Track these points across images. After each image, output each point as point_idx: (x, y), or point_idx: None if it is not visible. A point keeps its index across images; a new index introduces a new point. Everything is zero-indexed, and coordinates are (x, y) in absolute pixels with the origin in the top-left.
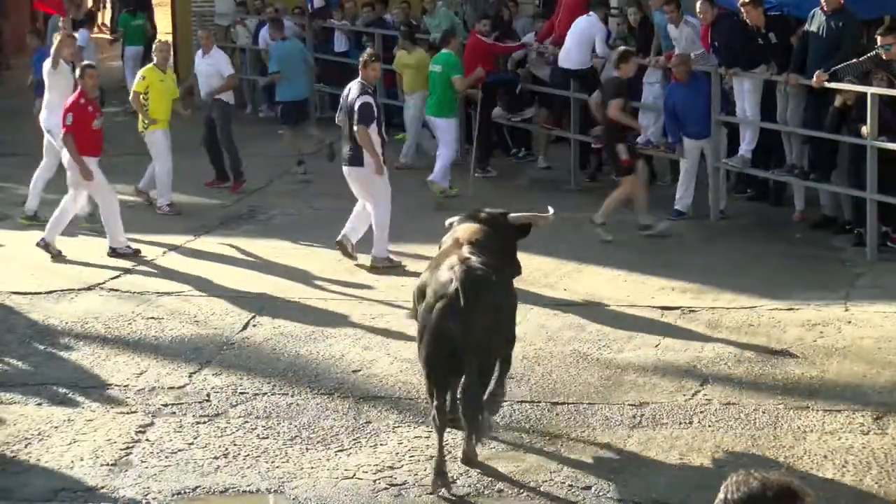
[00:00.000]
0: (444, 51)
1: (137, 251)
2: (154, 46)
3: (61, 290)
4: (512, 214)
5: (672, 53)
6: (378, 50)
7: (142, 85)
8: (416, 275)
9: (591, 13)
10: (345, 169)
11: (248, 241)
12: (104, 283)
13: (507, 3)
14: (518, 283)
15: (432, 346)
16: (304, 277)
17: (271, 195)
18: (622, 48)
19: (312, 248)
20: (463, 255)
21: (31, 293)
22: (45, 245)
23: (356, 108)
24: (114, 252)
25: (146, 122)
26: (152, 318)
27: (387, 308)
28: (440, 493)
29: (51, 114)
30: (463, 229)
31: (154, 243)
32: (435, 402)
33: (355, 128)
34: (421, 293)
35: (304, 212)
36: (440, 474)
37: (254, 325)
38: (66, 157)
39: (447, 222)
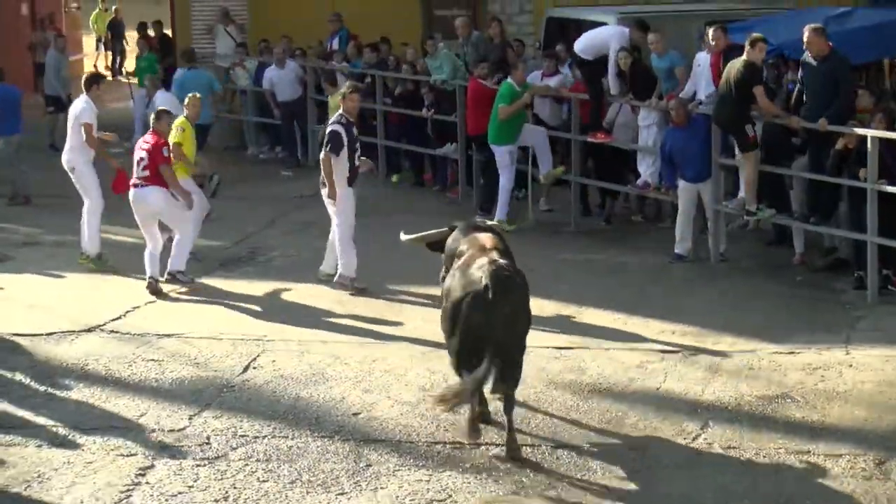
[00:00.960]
0: (506, 80)
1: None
2: (187, 101)
3: (62, 332)
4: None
5: (673, 95)
6: (380, 91)
7: (181, 136)
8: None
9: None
10: (323, 195)
11: (248, 283)
12: (104, 324)
13: (511, 44)
14: None
15: (462, 338)
16: (304, 319)
17: (271, 236)
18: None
19: (313, 290)
20: (492, 258)
21: (31, 335)
22: (173, 277)
23: (326, 134)
24: (173, 278)
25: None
26: (152, 360)
27: (388, 351)
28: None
29: (73, 152)
30: (484, 237)
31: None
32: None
33: (321, 154)
34: (448, 292)
35: (303, 253)
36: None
37: (254, 368)
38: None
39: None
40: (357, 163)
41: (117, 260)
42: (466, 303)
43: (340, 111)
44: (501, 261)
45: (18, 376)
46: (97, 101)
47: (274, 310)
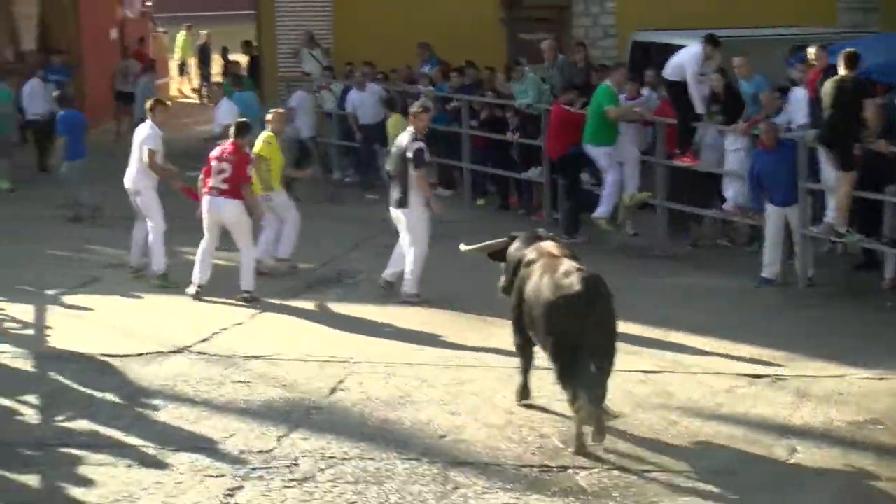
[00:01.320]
0: (604, 83)
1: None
2: (271, 116)
3: (150, 353)
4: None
5: (756, 119)
6: (466, 114)
7: (267, 150)
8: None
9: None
10: (392, 211)
11: (336, 305)
12: (192, 346)
13: (596, 68)
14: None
15: (560, 341)
16: (391, 341)
17: (357, 259)
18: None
19: (399, 312)
20: (575, 266)
21: (121, 356)
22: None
23: (410, 154)
24: (248, 298)
25: (263, 185)
26: (241, 381)
27: (475, 373)
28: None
29: (137, 176)
30: (550, 245)
31: (242, 306)
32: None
33: (412, 172)
34: (520, 294)
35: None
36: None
37: (342, 390)
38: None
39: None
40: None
41: (207, 283)
42: (561, 308)
43: (412, 129)
44: (580, 266)
45: (108, 397)
46: (161, 126)
47: (361, 332)
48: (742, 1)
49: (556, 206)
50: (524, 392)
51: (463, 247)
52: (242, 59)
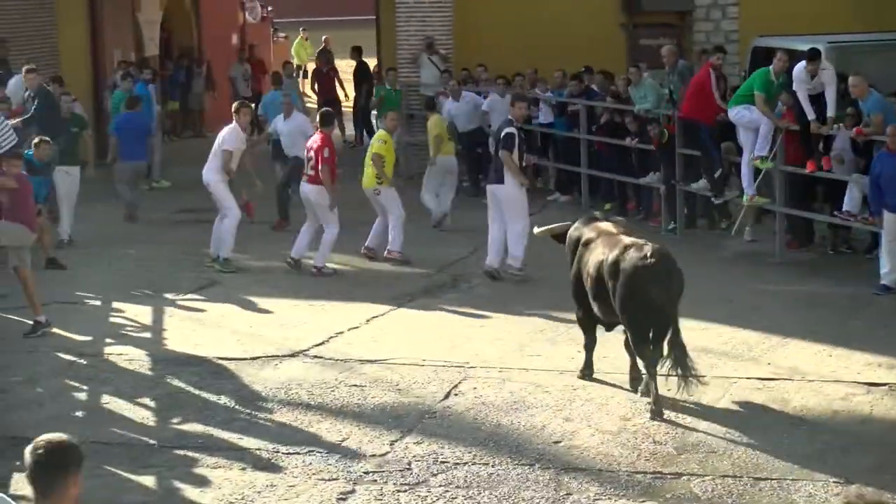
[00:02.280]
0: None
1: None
2: (388, 116)
3: (266, 357)
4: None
5: (868, 133)
6: (584, 120)
7: (383, 148)
8: None
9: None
10: (489, 187)
11: (451, 310)
12: (308, 350)
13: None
14: (721, 355)
15: (640, 308)
16: (506, 347)
17: (474, 264)
18: None
19: (515, 318)
20: (639, 241)
21: (236, 359)
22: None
23: (502, 136)
24: (319, 272)
25: (380, 179)
26: (355, 385)
27: (589, 379)
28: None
29: (210, 172)
30: (606, 224)
31: (358, 311)
32: (646, 352)
33: (500, 152)
34: (580, 270)
35: (506, 280)
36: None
37: (455, 395)
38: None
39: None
40: (524, 162)
41: (321, 288)
42: (641, 277)
43: (509, 117)
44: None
45: (224, 400)
46: (244, 128)
47: (476, 337)
48: (868, 4)
49: (675, 213)
50: (588, 369)
51: (536, 229)
52: (349, 65)
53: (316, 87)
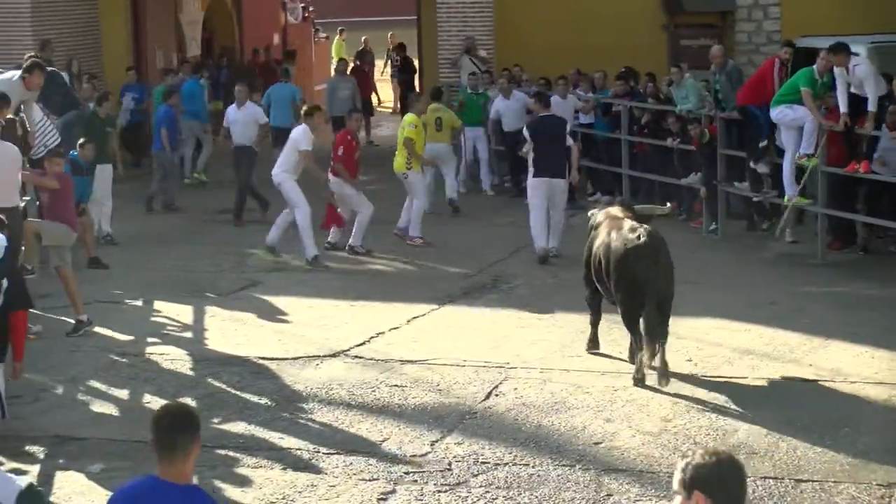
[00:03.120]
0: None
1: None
2: (420, 100)
3: (307, 357)
4: (637, 206)
5: None
6: (626, 120)
7: (413, 132)
8: None
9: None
10: (549, 180)
11: (491, 311)
12: (349, 350)
13: None
14: (763, 357)
15: (626, 284)
16: (546, 347)
17: (515, 265)
18: None
19: (555, 318)
20: (636, 224)
21: (277, 358)
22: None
23: (568, 131)
24: (352, 249)
25: (409, 164)
26: (396, 385)
27: (630, 380)
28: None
29: (282, 171)
30: (615, 210)
31: (399, 311)
32: (635, 329)
33: (573, 145)
34: (589, 251)
35: (547, 282)
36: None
37: (496, 395)
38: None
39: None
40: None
41: (362, 288)
42: (630, 257)
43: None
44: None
45: (264, 400)
46: (314, 130)
47: (516, 337)
48: None
49: (716, 214)
50: (594, 343)
51: None
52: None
53: None
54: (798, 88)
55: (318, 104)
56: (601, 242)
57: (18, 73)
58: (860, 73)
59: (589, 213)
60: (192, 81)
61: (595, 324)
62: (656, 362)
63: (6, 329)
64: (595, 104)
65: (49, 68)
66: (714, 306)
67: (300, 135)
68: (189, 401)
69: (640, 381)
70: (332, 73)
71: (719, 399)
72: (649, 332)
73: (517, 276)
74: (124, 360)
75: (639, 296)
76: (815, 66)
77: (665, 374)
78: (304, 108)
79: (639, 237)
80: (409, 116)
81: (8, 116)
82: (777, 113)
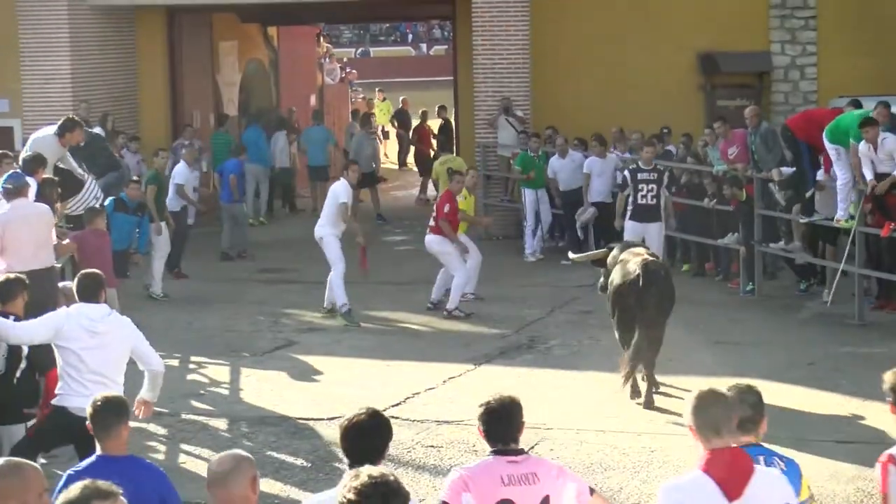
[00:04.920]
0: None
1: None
2: (469, 173)
3: (342, 416)
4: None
5: None
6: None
7: (464, 204)
8: None
9: None
10: (641, 224)
11: (528, 371)
12: (385, 410)
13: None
14: (801, 417)
15: (621, 315)
16: (583, 408)
17: (552, 325)
18: None
19: (592, 378)
20: (645, 257)
21: (313, 419)
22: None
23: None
24: (450, 314)
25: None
26: (431, 446)
27: (666, 442)
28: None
29: (324, 225)
30: (638, 249)
31: (435, 371)
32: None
33: (666, 191)
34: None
35: (584, 342)
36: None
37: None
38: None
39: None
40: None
41: (398, 348)
42: (624, 288)
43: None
44: (650, 258)
45: (300, 460)
46: (352, 185)
47: (553, 398)
48: None
49: (752, 275)
50: (635, 391)
51: (571, 255)
52: (435, 123)
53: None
54: (846, 131)
55: (354, 160)
56: (618, 274)
57: (52, 129)
58: (889, 145)
59: (613, 253)
60: (254, 128)
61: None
62: (642, 388)
63: (37, 391)
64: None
65: (90, 129)
66: (751, 366)
67: (340, 189)
68: None
69: (650, 403)
70: (357, 127)
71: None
72: (638, 357)
73: (554, 336)
74: (161, 419)
75: (628, 323)
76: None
77: (650, 400)
78: (348, 162)
79: (634, 270)
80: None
81: (45, 177)
82: (831, 147)
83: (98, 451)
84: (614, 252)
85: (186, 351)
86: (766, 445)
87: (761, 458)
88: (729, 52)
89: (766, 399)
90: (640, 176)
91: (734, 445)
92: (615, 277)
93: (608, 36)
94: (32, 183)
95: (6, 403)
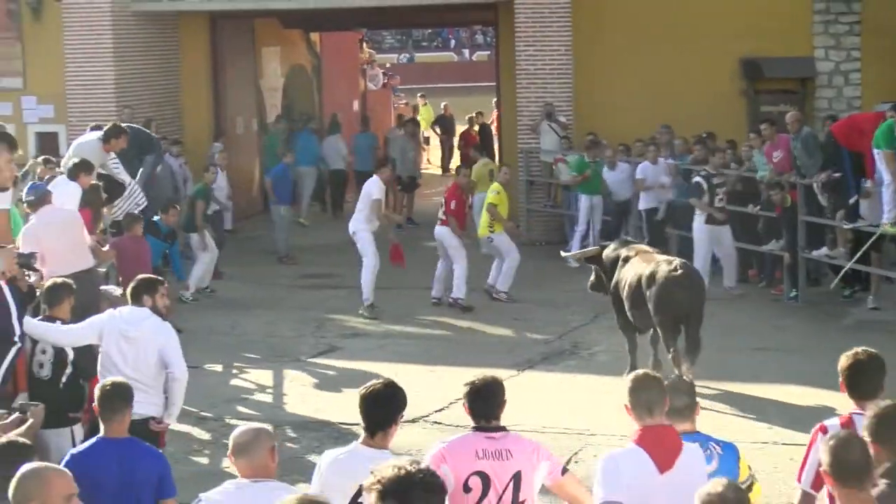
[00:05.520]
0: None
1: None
2: (502, 170)
3: None
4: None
5: None
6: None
7: (497, 198)
8: None
9: None
10: (715, 228)
11: (571, 377)
12: (428, 415)
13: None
14: None
15: (666, 310)
16: (626, 415)
17: (595, 331)
18: None
19: None
20: (670, 258)
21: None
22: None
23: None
24: (455, 302)
25: (492, 227)
26: None
27: None
28: None
29: (357, 221)
30: (642, 246)
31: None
32: (672, 348)
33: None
34: (619, 282)
35: (627, 347)
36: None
37: (576, 462)
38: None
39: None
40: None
41: (441, 353)
42: (669, 285)
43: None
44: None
45: None
46: (385, 182)
47: (596, 404)
48: None
49: (796, 282)
50: (634, 369)
51: (563, 253)
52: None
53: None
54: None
55: (387, 160)
56: (638, 273)
57: (96, 135)
58: None
59: (609, 250)
60: (306, 132)
61: (633, 351)
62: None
63: (83, 396)
64: (679, 171)
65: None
66: (795, 374)
67: (372, 186)
68: None
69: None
70: (398, 130)
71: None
72: (690, 346)
73: (597, 341)
74: (204, 424)
75: (678, 319)
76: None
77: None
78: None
79: (676, 269)
80: (495, 184)
81: (92, 182)
82: (878, 154)
83: (101, 433)
84: (611, 249)
85: (229, 356)
86: (702, 432)
87: (698, 444)
88: (772, 57)
89: (810, 404)
90: (714, 181)
91: (666, 424)
92: (627, 275)
93: (650, 41)
94: (76, 189)
95: (52, 408)
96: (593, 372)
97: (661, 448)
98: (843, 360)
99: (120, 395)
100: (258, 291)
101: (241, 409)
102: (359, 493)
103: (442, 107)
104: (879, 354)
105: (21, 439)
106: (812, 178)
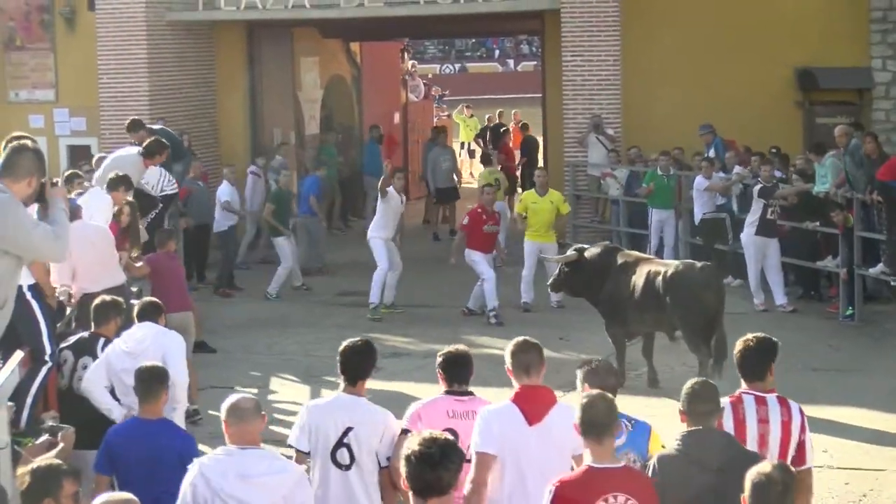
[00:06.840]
0: None
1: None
2: (536, 174)
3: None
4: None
5: None
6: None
7: (520, 206)
8: None
9: None
10: (764, 239)
11: (619, 398)
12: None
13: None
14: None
15: (697, 310)
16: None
17: (638, 350)
18: None
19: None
20: (679, 262)
21: None
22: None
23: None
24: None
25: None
26: None
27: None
28: None
29: (374, 229)
30: (633, 252)
31: None
32: (704, 348)
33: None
34: (620, 290)
35: (675, 368)
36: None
37: None
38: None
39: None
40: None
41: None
42: (700, 287)
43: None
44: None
45: None
46: (398, 190)
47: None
48: None
49: (853, 300)
50: (621, 378)
51: (541, 255)
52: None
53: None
54: None
55: (400, 167)
56: (648, 277)
57: (135, 150)
58: None
59: (594, 255)
60: (371, 144)
61: (621, 359)
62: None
63: None
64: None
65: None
66: (851, 394)
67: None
68: None
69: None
70: (434, 143)
71: (854, 493)
72: (717, 348)
73: (644, 362)
74: None
75: (702, 322)
76: None
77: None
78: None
79: (697, 271)
80: (528, 192)
81: (128, 199)
82: None
83: (137, 413)
84: (597, 253)
85: (266, 374)
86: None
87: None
88: (828, 67)
89: (868, 426)
90: (768, 194)
91: (540, 385)
92: (636, 280)
93: (701, 50)
94: (109, 202)
95: (90, 424)
96: (641, 393)
97: (532, 404)
98: (737, 345)
99: (157, 378)
100: (294, 309)
101: (276, 428)
102: (345, 433)
103: (486, 119)
104: (769, 339)
105: (56, 461)
106: (863, 193)
